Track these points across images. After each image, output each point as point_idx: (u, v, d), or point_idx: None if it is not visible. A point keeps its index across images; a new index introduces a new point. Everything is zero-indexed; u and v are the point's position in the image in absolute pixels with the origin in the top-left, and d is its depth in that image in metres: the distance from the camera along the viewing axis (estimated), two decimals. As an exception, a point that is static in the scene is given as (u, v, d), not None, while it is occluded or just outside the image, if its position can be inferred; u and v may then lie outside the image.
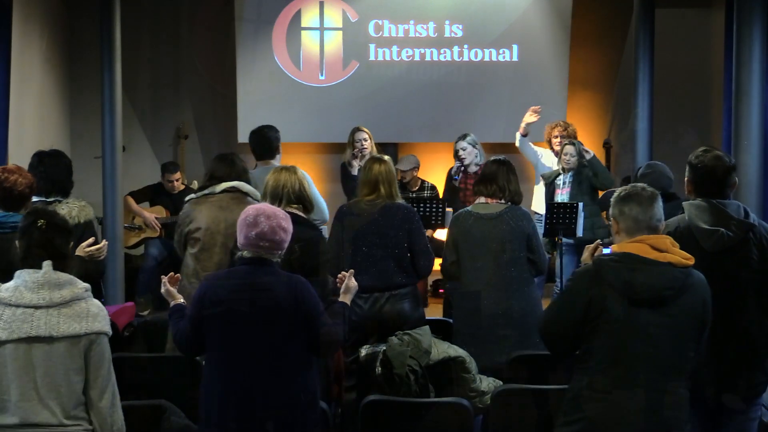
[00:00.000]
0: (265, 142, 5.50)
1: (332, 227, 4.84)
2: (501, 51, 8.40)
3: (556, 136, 6.93)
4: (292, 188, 4.32)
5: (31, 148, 4.82)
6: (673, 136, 8.26)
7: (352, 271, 3.77)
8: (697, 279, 3.06)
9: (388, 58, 8.37)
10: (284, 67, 8.38)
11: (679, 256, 3.03)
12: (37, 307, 2.99)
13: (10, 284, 3.05)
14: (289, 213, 3.61)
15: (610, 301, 3.00)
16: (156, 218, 7.40)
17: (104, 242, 4.22)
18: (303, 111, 8.37)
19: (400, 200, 4.79)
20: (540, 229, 5.83)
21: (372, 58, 8.37)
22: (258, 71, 8.38)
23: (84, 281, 3.13)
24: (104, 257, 4.21)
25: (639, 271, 2.99)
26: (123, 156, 7.07)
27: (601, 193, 6.59)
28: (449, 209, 6.34)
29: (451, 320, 5.08)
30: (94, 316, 3.05)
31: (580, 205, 6.15)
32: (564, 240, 6.24)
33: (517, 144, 7.04)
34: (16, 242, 3.13)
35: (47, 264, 3.04)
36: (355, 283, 3.73)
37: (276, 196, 4.30)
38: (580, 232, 6.13)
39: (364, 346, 4.40)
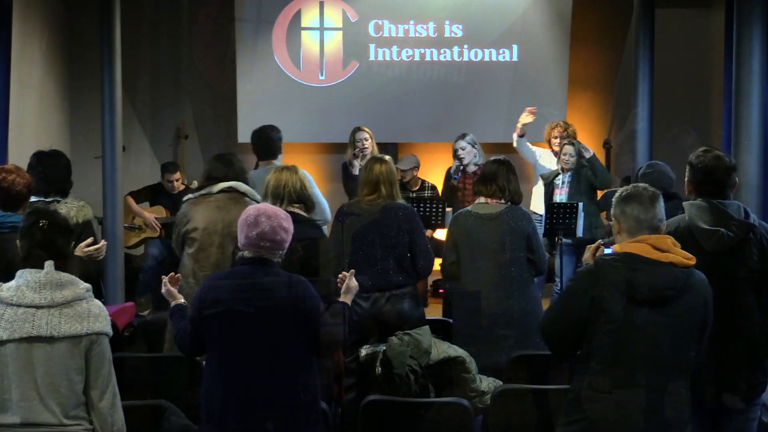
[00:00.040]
0: (268, 142, 5.50)
1: (332, 227, 4.84)
2: (501, 51, 8.40)
3: (556, 137, 6.94)
4: (293, 187, 4.34)
5: (31, 148, 4.82)
6: (673, 136, 8.26)
7: (352, 271, 3.77)
8: (699, 279, 3.06)
9: (388, 58, 8.37)
10: (284, 67, 8.38)
11: (680, 256, 3.03)
12: (38, 307, 3.00)
13: (12, 284, 3.05)
14: (290, 212, 3.62)
15: (611, 301, 3.00)
16: (156, 218, 7.40)
17: (103, 242, 4.22)
18: (303, 111, 8.37)
19: (400, 200, 4.79)
20: (539, 230, 5.84)
21: (372, 58, 8.37)
22: (258, 71, 8.38)
23: (83, 281, 3.13)
24: (103, 257, 4.21)
25: (640, 271, 3.00)
26: (123, 156, 7.07)
27: (600, 193, 6.60)
28: (449, 209, 6.34)
29: (451, 320, 5.08)
30: (96, 316, 3.05)
31: (580, 205, 6.15)
32: (563, 240, 6.24)
33: (515, 145, 7.06)
34: (17, 242, 3.13)
35: (49, 264, 3.04)
36: (356, 283, 3.74)
37: (277, 196, 4.32)
38: (580, 232, 6.14)
39: (364, 346, 4.40)
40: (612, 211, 3.18)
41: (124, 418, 3.12)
